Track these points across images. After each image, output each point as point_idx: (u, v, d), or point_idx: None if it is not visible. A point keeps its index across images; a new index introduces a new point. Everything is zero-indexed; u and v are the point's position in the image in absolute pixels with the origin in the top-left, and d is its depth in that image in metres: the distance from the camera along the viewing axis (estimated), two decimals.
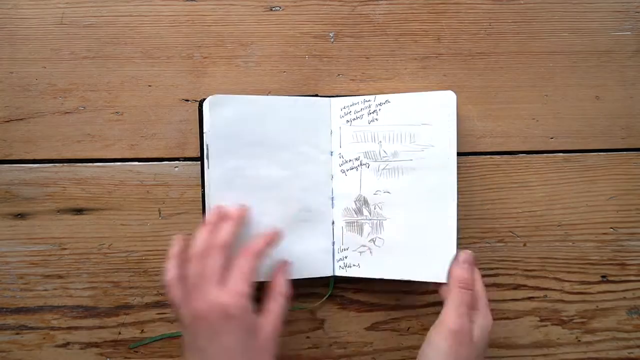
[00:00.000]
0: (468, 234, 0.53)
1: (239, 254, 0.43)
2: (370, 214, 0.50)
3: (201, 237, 0.44)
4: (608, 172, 0.54)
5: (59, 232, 0.51)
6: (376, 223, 0.50)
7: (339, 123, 0.50)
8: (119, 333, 0.52)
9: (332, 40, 0.52)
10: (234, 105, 0.48)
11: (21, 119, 0.51)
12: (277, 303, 0.44)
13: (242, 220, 0.46)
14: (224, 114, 0.48)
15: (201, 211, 0.51)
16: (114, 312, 0.52)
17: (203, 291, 0.41)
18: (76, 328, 0.51)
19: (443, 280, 0.47)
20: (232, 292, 0.41)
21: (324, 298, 0.52)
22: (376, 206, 0.50)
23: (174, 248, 0.44)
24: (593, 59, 0.53)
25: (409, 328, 0.53)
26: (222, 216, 0.46)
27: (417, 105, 0.49)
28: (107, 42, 0.51)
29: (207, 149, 0.48)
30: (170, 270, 0.43)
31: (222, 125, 0.48)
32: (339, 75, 0.52)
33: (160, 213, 0.51)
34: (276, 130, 0.49)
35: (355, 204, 0.50)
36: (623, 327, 0.54)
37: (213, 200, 0.48)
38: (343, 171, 0.50)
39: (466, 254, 0.47)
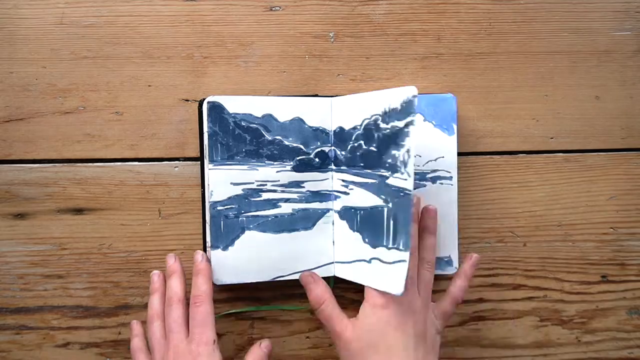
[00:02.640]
0: (468, 234, 0.53)
1: (191, 301, 0.45)
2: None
3: (154, 300, 0.47)
4: (608, 172, 0.54)
5: (59, 232, 0.51)
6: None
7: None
8: (119, 333, 0.52)
9: (332, 40, 0.52)
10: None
11: (21, 119, 0.51)
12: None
13: (182, 270, 0.47)
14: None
15: (201, 211, 0.51)
16: (114, 312, 0.52)
17: (173, 346, 0.43)
18: (76, 328, 0.51)
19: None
20: (200, 343, 0.43)
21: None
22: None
23: (135, 329, 0.49)
24: (593, 59, 0.53)
25: None
26: (164, 277, 0.48)
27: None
28: (107, 42, 0.51)
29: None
30: (136, 339, 0.48)
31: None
32: (339, 75, 0.52)
33: (160, 213, 0.51)
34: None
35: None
36: (623, 327, 0.54)
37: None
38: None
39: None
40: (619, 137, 0.54)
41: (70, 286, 0.51)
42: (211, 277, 0.46)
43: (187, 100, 0.51)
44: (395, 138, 0.43)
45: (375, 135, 0.45)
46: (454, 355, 0.53)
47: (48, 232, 0.51)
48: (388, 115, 0.44)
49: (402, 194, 0.43)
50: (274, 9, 0.52)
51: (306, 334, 0.53)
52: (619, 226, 0.54)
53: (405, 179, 0.42)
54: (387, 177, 0.44)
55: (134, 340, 0.48)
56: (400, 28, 0.52)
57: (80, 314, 0.51)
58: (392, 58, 0.52)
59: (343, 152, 0.49)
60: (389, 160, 0.44)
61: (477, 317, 0.54)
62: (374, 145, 0.46)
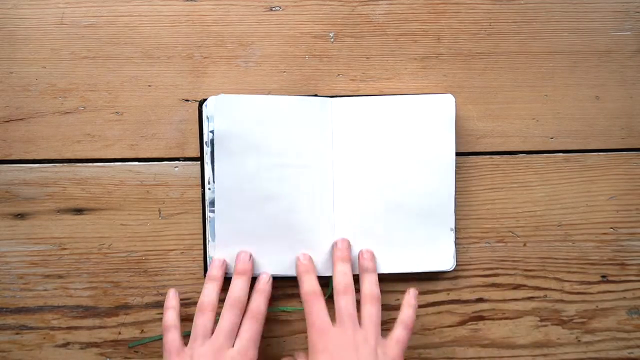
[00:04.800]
0: (468, 234, 0.53)
1: (246, 315, 0.46)
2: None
3: (210, 288, 0.47)
4: (608, 172, 0.54)
5: (59, 232, 0.51)
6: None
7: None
8: (119, 333, 0.52)
9: (332, 40, 0.52)
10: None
11: (21, 119, 0.51)
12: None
13: (250, 274, 0.48)
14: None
15: (201, 211, 0.51)
16: (114, 312, 0.52)
17: (213, 345, 0.45)
18: (76, 328, 0.51)
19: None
20: (243, 356, 0.45)
21: (324, 298, 0.52)
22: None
23: (172, 300, 0.49)
24: (593, 59, 0.53)
25: None
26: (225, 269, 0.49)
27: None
28: (107, 42, 0.51)
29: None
30: (170, 313, 0.47)
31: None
32: (339, 75, 0.52)
33: (160, 213, 0.51)
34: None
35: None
36: (623, 327, 0.54)
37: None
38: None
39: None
40: (619, 137, 0.54)
41: (70, 286, 0.51)
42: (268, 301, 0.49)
43: (187, 100, 0.51)
44: None
45: None
46: (454, 355, 0.53)
47: (48, 232, 0.51)
48: None
49: None
50: (274, 9, 0.52)
51: (306, 334, 0.53)
52: (619, 226, 0.54)
53: None
54: None
55: (168, 312, 0.48)
56: (400, 28, 0.52)
57: (80, 314, 0.51)
58: (392, 58, 0.52)
59: None
60: None
61: (477, 317, 0.54)
62: None
